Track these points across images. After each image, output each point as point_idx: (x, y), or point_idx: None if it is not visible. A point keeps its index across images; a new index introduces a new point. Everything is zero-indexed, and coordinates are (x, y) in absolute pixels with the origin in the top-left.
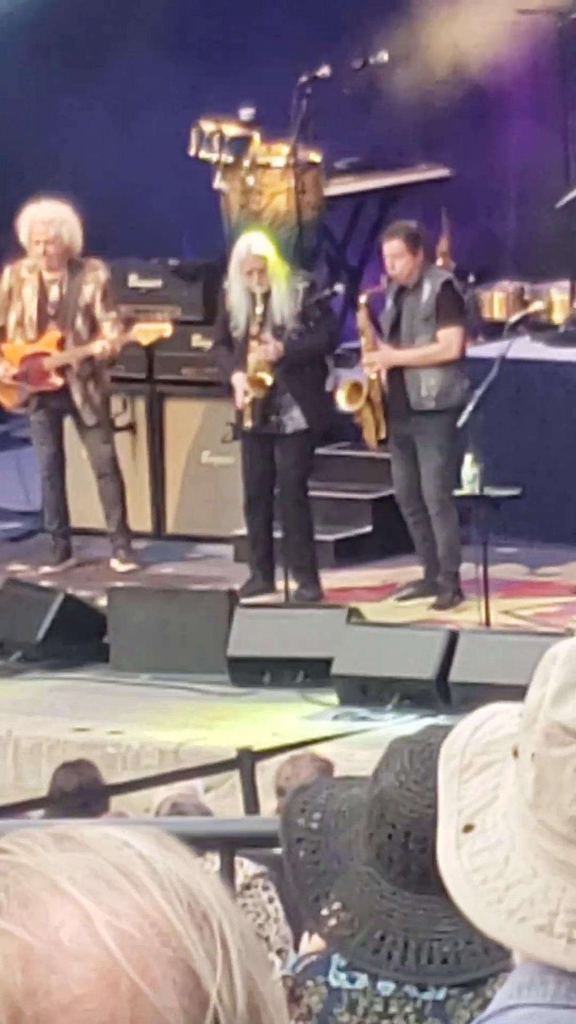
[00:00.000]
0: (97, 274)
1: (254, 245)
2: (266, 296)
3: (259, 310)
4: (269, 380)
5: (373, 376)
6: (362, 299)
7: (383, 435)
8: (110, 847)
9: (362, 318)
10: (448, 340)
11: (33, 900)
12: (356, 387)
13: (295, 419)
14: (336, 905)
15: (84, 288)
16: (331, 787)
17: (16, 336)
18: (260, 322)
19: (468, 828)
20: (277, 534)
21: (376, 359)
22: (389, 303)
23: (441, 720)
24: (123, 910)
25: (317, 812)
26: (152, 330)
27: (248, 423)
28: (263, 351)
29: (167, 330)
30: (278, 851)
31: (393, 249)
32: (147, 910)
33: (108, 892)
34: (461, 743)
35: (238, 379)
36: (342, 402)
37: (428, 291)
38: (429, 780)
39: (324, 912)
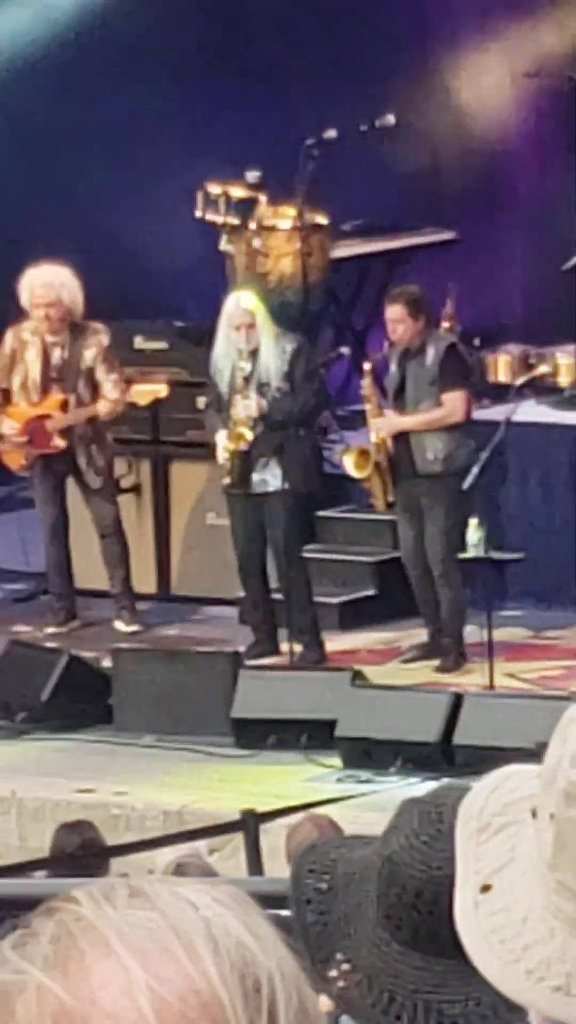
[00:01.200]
0: (99, 337)
1: (242, 301)
2: (253, 354)
3: (245, 366)
4: (249, 436)
5: (379, 441)
6: (366, 365)
7: (391, 498)
8: (175, 907)
9: (367, 384)
10: (453, 404)
11: (81, 956)
12: (363, 453)
13: (277, 477)
14: (345, 966)
15: (86, 351)
16: (340, 847)
17: (20, 399)
18: (245, 378)
19: (486, 888)
20: (278, 596)
21: (382, 425)
22: (393, 367)
23: (444, 782)
24: (168, 975)
25: (326, 873)
26: (148, 391)
27: (228, 480)
28: (244, 406)
29: (163, 391)
30: (285, 912)
31: (395, 314)
32: (193, 977)
33: (158, 955)
34: (479, 804)
35: (220, 436)
36: (350, 469)
37: (432, 355)
38: (439, 842)
39: (333, 973)
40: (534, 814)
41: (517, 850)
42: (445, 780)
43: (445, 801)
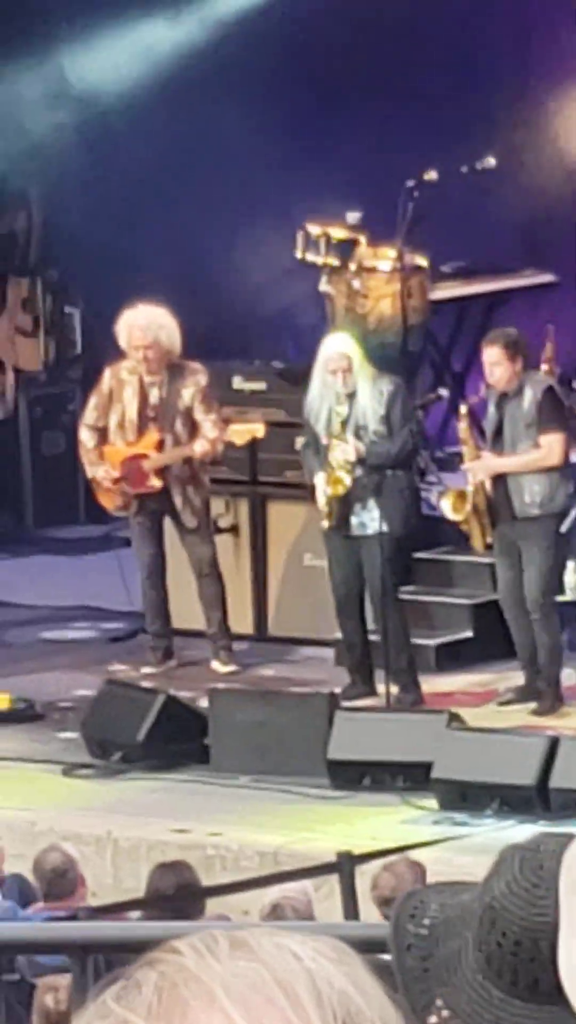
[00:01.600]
0: (197, 377)
1: (339, 344)
2: (350, 397)
3: (342, 410)
4: (347, 481)
5: (476, 484)
6: (463, 408)
7: (489, 540)
8: (278, 958)
9: (463, 427)
10: (550, 446)
11: (184, 1008)
12: (461, 496)
13: (376, 520)
14: (445, 1013)
15: (184, 391)
16: (441, 893)
17: (117, 438)
18: (343, 422)
19: None
20: (375, 637)
21: (478, 468)
22: (491, 409)
23: (541, 826)
24: None
25: (427, 918)
26: (245, 430)
27: (327, 523)
28: (342, 450)
29: (260, 430)
30: (385, 957)
31: (492, 356)
32: None
33: (262, 1007)
34: None
35: (319, 479)
36: (448, 511)
37: (529, 398)
38: (540, 889)
39: (433, 1019)
40: None
41: None
42: (542, 825)
43: (547, 848)
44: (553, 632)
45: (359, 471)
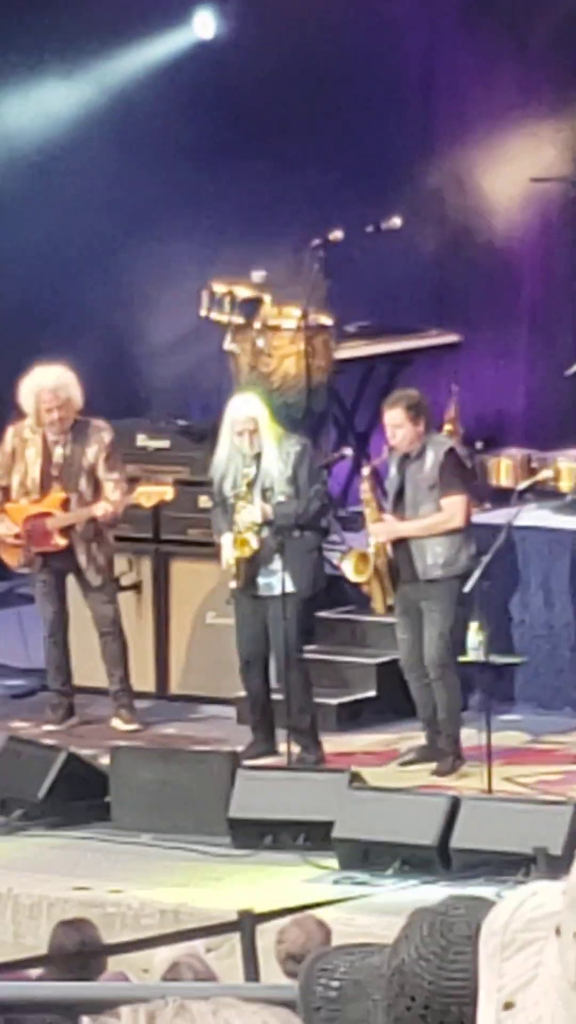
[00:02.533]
0: (101, 435)
1: (245, 407)
2: (256, 458)
3: (249, 471)
4: (254, 543)
5: (378, 546)
6: (365, 471)
7: (390, 601)
8: None
9: (366, 489)
10: (452, 509)
11: None
12: (363, 558)
13: (281, 581)
14: None
15: (88, 449)
16: (350, 955)
17: (20, 497)
18: (249, 483)
19: (509, 1006)
20: (278, 696)
21: (381, 531)
22: (393, 471)
23: (442, 886)
24: None
25: (335, 980)
26: (154, 492)
27: (233, 583)
28: (249, 512)
29: (168, 493)
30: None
31: (394, 419)
32: None
33: None
34: (503, 920)
35: (226, 540)
36: (349, 573)
37: (431, 459)
38: (449, 953)
39: None
40: (558, 932)
41: (541, 967)
42: (442, 885)
43: (456, 912)
44: (452, 692)
45: (266, 532)
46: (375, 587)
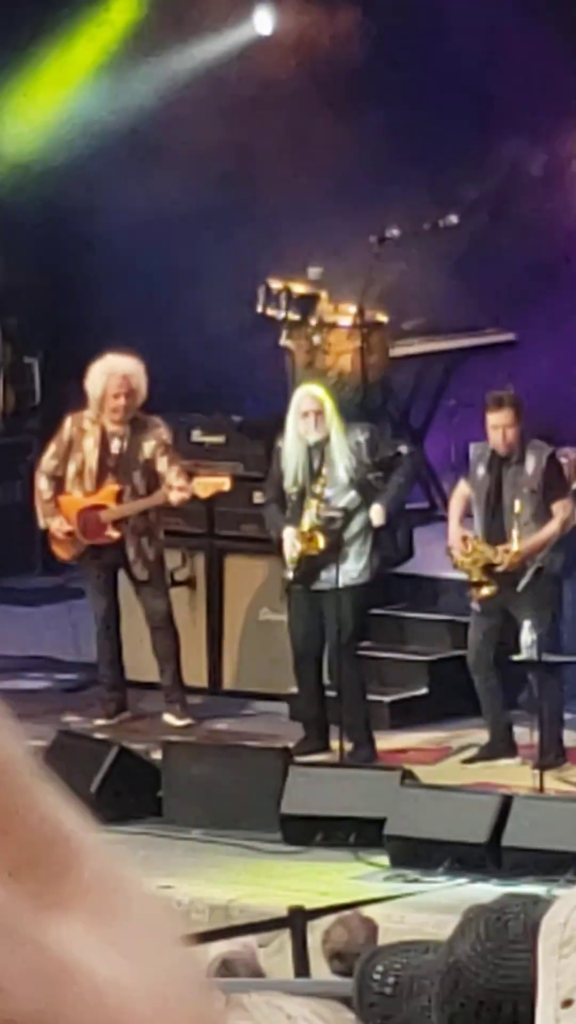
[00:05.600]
0: (159, 431)
1: (313, 389)
2: (322, 451)
3: (316, 466)
4: (322, 543)
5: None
6: (458, 535)
7: (485, 592)
8: (272, 1019)
9: (465, 551)
10: (564, 514)
11: None
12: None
13: (347, 573)
14: None
15: (145, 444)
16: (405, 952)
17: (74, 487)
18: (324, 482)
19: (567, 1003)
20: (332, 692)
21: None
22: (482, 472)
23: (493, 884)
24: None
25: (391, 976)
26: (211, 483)
27: (291, 575)
28: (376, 513)
29: (225, 484)
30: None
31: (503, 419)
32: None
33: None
34: (561, 918)
35: (288, 534)
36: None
37: (533, 464)
38: (504, 951)
39: None
40: None
41: None
42: (493, 883)
43: (512, 909)
44: (554, 690)
45: (332, 526)
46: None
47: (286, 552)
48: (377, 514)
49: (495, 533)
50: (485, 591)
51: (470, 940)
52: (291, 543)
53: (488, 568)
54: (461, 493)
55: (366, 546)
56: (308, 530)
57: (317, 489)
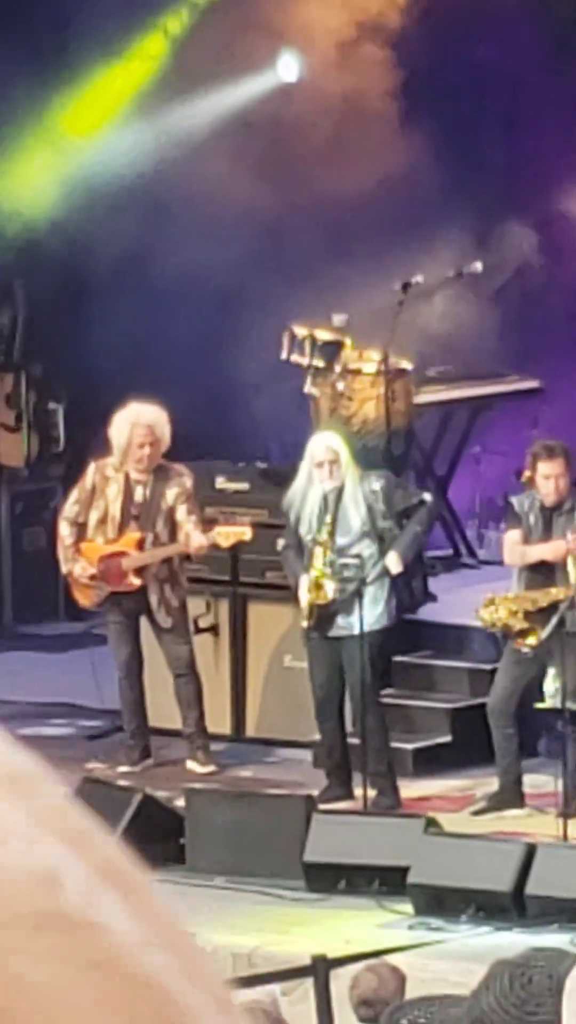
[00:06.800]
0: (182, 479)
1: (329, 438)
2: (337, 499)
3: (328, 517)
4: (329, 590)
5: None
6: (517, 542)
7: (532, 641)
8: None
9: (504, 615)
10: None
11: None
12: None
13: (358, 621)
14: None
15: (168, 492)
16: (430, 1005)
17: (96, 534)
18: (330, 530)
19: None
20: (354, 740)
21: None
22: (532, 519)
23: (516, 933)
24: None
25: None
26: (232, 532)
27: (305, 623)
28: (394, 562)
29: (246, 533)
30: None
31: (558, 468)
32: None
33: None
34: None
35: (303, 581)
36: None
37: None
38: (529, 1005)
39: None
40: None
41: None
42: (517, 932)
43: (535, 963)
44: None
45: (347, 573)
46: (527, 625)
47: (301, 601)
48: (393, 562)
49: (540, 582)
50: (531, 639)
51: (495, 993)
52: (304, 592)
53: (529, 615)
54: (514, 543)
55: (383, 592)
56: (316, 579)
57: (323, 537)
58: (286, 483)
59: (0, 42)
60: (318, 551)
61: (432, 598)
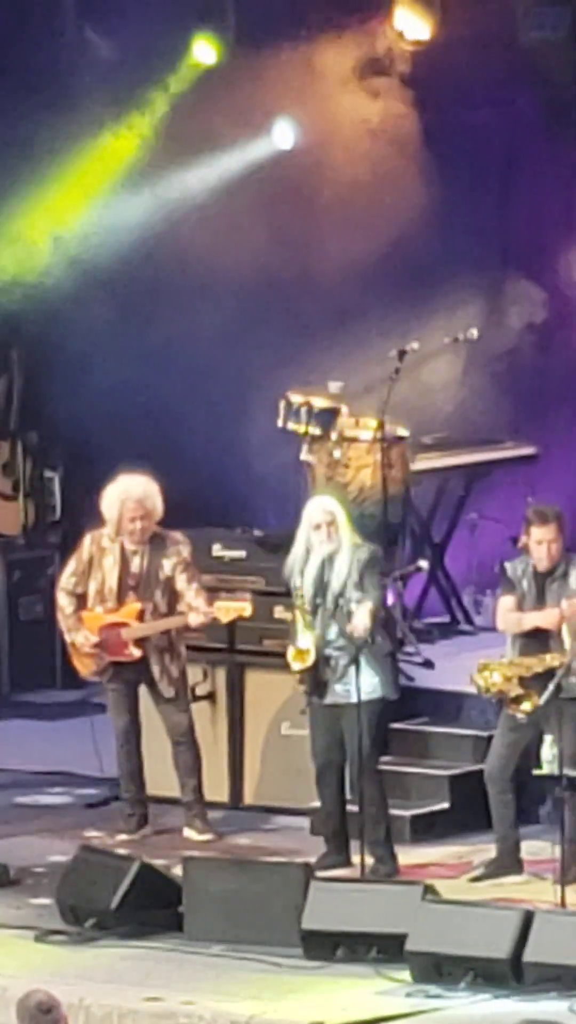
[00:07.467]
0: (179, 548)
1: (326, 502)
2: (331, 563)
3: (326, 578)
4: (310, 659)
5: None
6: (511, 609)
7: (540, 701)
8: None
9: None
10: None
11: None
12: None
13: (357, 689)
14: None
15: (165, 561)
16: None
17: (96, 605)
18: (315, 594)
19: None
20: (352, 807)
21: None
22: (526, 584)
23: (515, 1000)
24: None
25: None
26: (232, 608)
27: (302, 687)
28: (360, 622)
29: (247, 609)
30: None
31: (550, 534)
32: None
33: None
34: None
35: (290, 649)
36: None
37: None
38: None
39: None
40: None
41: None
42: (515, 999)
43: None
44: None
45: (341, 641)
46: (526, 690)
47: (291, 666)
48: (359, 625)
49: (534, 648)
50: (526, 705)
51: None
52: (289, 657)
53: (524, 681)
54: (508, 610)
55: (375, 661)
56: (297, 648)
57: (320, 600)
58: (283, 550)
59: None
60: (307, 619)
61: (429, 665)
